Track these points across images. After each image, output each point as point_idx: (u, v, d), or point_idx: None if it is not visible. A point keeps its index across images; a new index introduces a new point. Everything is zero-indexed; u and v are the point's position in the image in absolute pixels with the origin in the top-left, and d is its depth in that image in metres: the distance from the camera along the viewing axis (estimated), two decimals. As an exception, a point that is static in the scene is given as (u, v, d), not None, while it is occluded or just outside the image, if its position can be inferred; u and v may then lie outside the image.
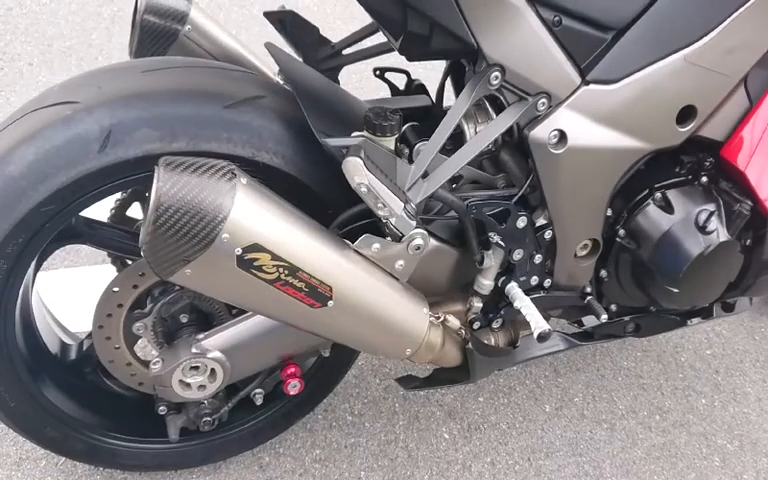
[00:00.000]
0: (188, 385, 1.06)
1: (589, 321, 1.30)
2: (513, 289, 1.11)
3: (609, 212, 1.13)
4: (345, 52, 1.26)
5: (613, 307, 1.26)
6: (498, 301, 1.16)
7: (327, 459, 1.38)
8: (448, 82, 1.19)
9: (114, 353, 1.13)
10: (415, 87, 1.26)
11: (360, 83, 2.46)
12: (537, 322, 1.04)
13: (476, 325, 1.18)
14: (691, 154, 1.13)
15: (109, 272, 1.21)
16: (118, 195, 1.21)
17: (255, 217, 0.86)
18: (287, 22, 1.23)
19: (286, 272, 0.89)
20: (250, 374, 1.16)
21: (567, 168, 1.02)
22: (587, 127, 1.00)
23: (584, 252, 1.16)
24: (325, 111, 1.02)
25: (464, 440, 1.45)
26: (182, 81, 0.97)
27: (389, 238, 0.97)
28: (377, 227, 0.99)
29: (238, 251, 0.85)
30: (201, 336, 1.05)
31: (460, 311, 1.15)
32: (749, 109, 1.12)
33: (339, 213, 1.01)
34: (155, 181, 0.82)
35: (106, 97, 0.92)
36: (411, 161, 1.04)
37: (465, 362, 1.16)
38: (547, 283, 1.15)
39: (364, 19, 1.12)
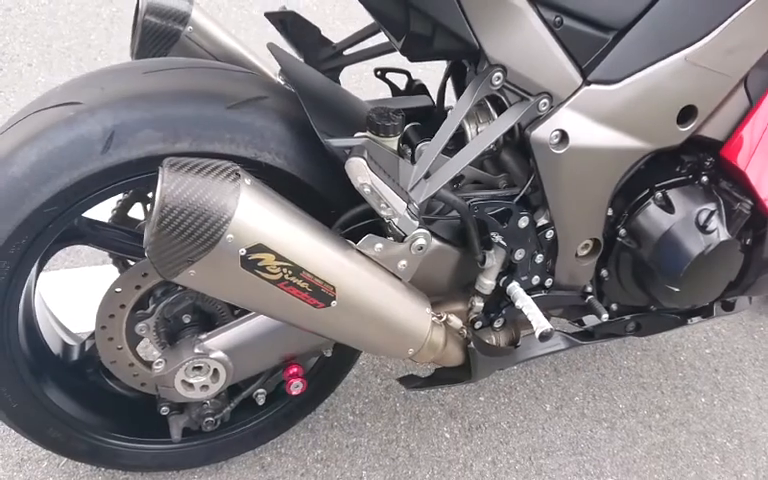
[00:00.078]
0: (191, 385, 1.06)
1: (590, 320, 1.31)
2: (515, 289, 1.11)
3: (610, 212, 1.14)
4: (346, 53, 1.27)
5: (614, 306, 1.27)
6: (500, 301, 1.16)
7: (328, 459, 1.38)
8: (449, 82, 1.19)
9: (117, 354, 1.13)
10: (416, 87, 1.26)
11: (360, 83, 2.46)
12: (539, 321, 1.05)
13: (478, 325, 1.18)
14: (691, 154, 1.14)
15: (110, 273, 1.21)
16: (119, 196, 1.21)
17: (259, 218, 0.86)
18: (288, 23, 1.23)
19: (290, 272, 0.89)
20: (253, 374, 1.16)
21: (568, 168, 1.03)
22: (588, 127, 1.01)
23: (585, 252, 1.16)
24: (327, 112, 1.02)
25: (465, 439, 1.45)
26: (184, 82, 0.97)
27: (392, 238, 0.97)
28: (379, 227, 0.99)
29: (242, 251, 0.85)
30: (204, 336, 1.05)
31: (462, 311, 1.16)
32: (749, 109, 1.12)
33: (341, 213, 1.01)
34: (159, 182, 0.82)
35: (109, 98, 0.92)
36: (413, 161, 1.04)
37: (467, 362, 1.16)
38: (548, 283, 1.16)
39: (364, 20, 1.12)
